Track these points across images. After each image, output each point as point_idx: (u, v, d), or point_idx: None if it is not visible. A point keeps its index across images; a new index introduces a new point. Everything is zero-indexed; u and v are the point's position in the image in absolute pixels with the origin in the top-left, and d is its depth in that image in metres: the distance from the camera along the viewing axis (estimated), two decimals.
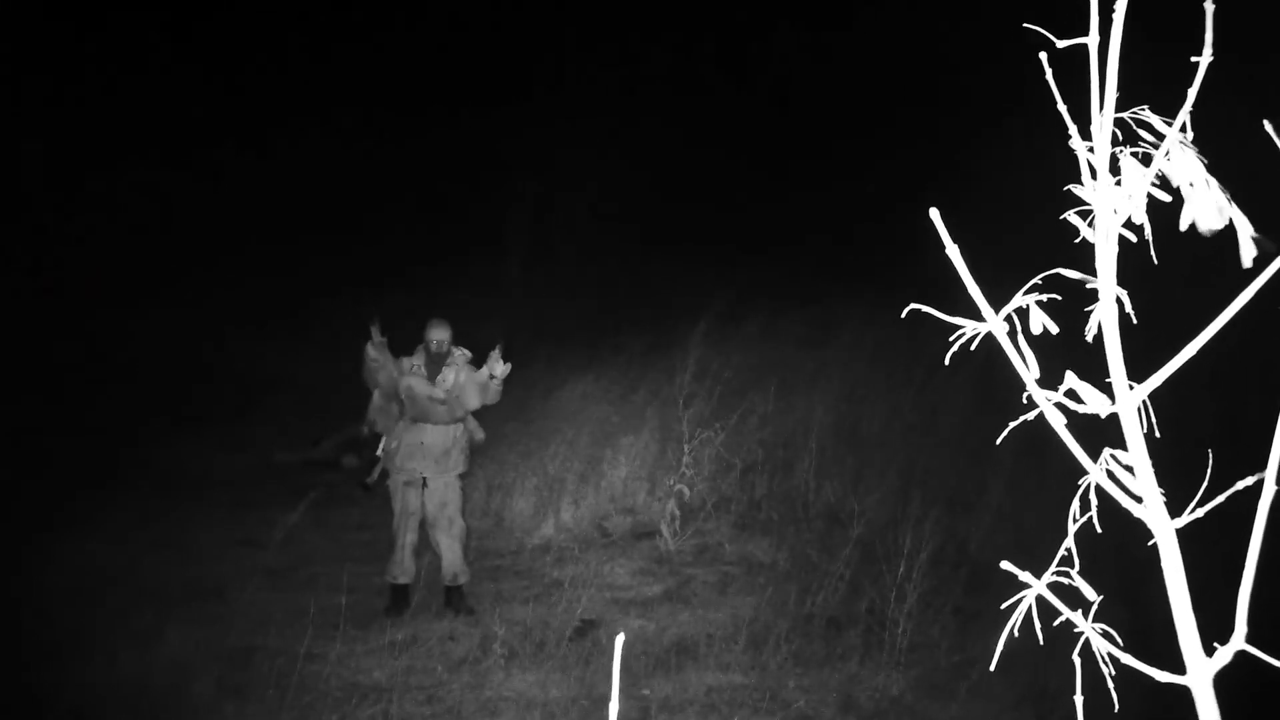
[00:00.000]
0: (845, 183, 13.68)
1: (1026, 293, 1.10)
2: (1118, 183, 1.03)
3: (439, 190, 14.68)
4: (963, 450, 8.45)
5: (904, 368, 9.64)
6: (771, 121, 15.41)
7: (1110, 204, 1.01)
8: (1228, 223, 1.00)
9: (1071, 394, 1.09)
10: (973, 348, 1.14)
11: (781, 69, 15.64)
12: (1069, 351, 1.21)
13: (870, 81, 14.25)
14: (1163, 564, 1.09)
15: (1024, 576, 1.13)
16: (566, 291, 13.27)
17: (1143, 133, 1.03)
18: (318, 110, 14.84)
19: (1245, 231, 1.01)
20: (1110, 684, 1.15)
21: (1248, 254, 1.01)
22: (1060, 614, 1.17)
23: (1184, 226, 1.03)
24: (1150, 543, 1.09)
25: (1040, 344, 1.15)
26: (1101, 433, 1.14)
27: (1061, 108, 1.03)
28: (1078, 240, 1.07)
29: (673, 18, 15.39)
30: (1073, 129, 1.02)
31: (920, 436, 9.05)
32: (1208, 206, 0.99)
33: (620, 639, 1.13)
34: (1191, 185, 1.00)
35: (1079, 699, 1.19)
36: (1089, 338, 1.08)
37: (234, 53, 14.63)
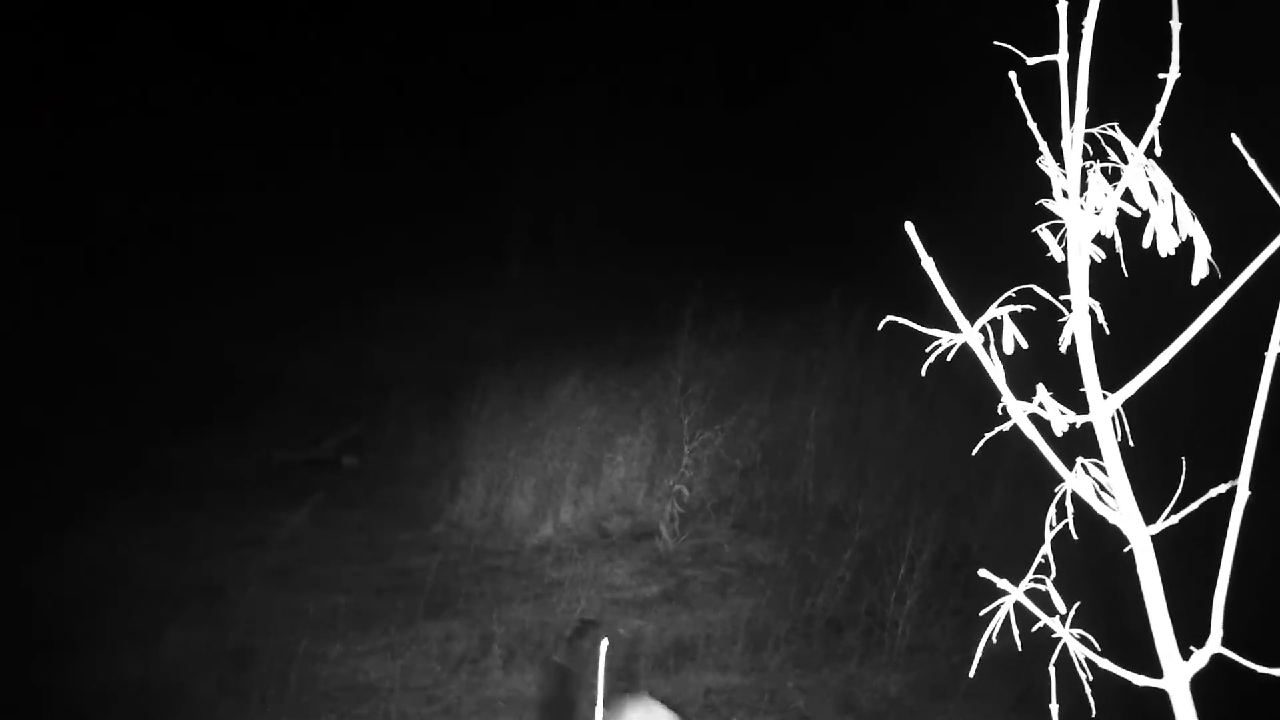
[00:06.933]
0: (842, 183, 13.69)
1: (1001, 304, 1.12)
2: (1086, 199, 1.04)
3: (438, 194, 14.72)
4: (964, 451, 8.43)
5: (900, 367, 9.63)
6: (768, 121, 15.43)
7: (1080, 219, 1.02)
8: (1185, 240, 1.02)
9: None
10: (949, 359, 1.15)
11: (776, 70, 15.66)
12: (1052, 357, 1.22)
13: (866, 82, 14.27)
14: (1138, 570, 1.10)
15: (1002, 584, 1.14)
16: (562, 291, 13.30)
17: (1110, 150, 1.05)
18: (319, 114, 14.88)
19: (1202, 252, 1.03)
20: (1087, 689, 1.16)
21: (1198, 274, 1.03)
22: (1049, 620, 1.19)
23: (1146, 244, 1.04)
24: (1126, 549, 1.11)
25: (1025, 349, 1.17)
26: (1090, 437, 1.16)
27: (1032, 125, 1.05)
28: (1048, 254, 1.08)
29: (667, 24, 15.42)
30: (1043, 146, 1.04)
31: (921, 437, 9.04)
32: (1167, 226, 1.01)
33: (605, 644, 1.14)
34: (1157, 202, 1.02)
35: (1054, 707, 1.20)
36: (1062, 349, 1.09)
37: (237, 60, 14.66)
